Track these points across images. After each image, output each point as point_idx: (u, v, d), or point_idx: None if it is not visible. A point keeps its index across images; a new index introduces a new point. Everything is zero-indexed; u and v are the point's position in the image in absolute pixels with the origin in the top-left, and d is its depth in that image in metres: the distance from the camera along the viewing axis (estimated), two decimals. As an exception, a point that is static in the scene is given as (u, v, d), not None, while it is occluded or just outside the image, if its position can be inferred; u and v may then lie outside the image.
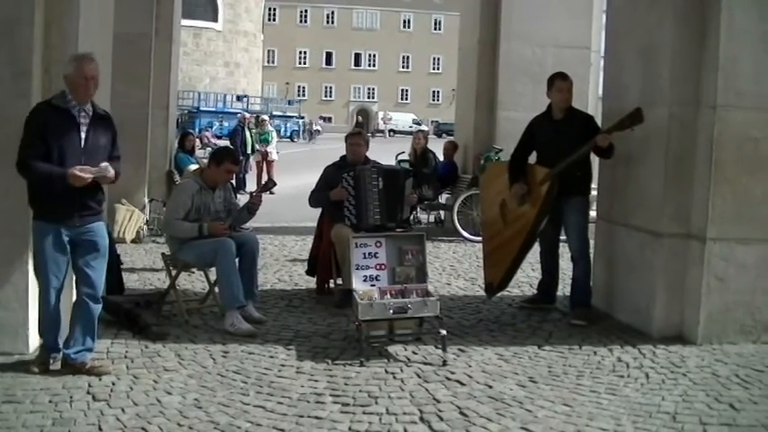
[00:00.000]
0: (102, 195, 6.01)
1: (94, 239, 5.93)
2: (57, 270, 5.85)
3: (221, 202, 7.82)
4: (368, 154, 8.93)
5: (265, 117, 27.38)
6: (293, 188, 19.67)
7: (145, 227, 12.57)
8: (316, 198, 8.77)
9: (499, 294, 8.52)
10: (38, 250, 5.87)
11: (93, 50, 6.11)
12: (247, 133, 23.50)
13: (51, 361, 5.97)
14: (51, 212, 5.78)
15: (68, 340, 6.00)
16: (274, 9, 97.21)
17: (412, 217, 12.41)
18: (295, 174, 24.40)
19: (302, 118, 67.72)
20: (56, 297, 5.90)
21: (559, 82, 7.98)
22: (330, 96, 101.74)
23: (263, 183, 8.23)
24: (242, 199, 8.92)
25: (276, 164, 23.78)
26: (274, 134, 24.87)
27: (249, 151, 23.43)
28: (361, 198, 8.27)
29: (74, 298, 6.09)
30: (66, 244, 5.85)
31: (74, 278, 6.08)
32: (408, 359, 6.53)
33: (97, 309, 6.03)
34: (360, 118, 63.52)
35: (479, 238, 10.74)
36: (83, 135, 5.79)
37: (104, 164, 5.76)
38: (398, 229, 8.14)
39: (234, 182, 19.26)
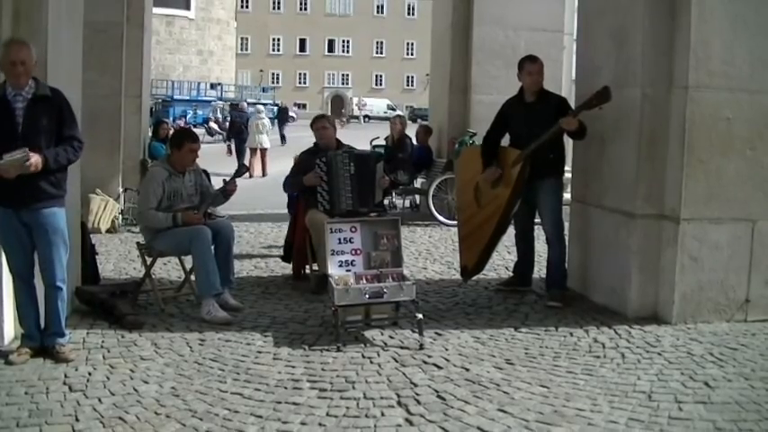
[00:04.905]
0: (56, 178, 5.88)
1: (45, 227, 5.86)
2: (15, 254, 5.89)
3: (192, 186, 7.77)
4: (346, 141, 8.94)
5: (261, 107, 28.96)
6: (268, 175, 19.68)
7: (120, 216, 12.51)
8: (290, 183, 8.77)
9: (475, 278, 8.55)
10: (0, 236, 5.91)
11: (62, 40, 6.06)
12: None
13: (27, 350, 5.96)
14: (3, 197, 5.76)
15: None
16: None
17: (387, 202, 12.41)
18: (268, 161, 24.45)
19: (276, 105, 67.55)
20: (20, 282, 5.94)
21: (529, 65, 7.98)
22: (304, 83, 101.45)
23: (236, 168, 8.19)
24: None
25: (268, 151, 24.78)
26: (268, 123, 25.98)
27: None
28: (334, 183, 8.28)
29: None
30: (23, 229, 5.84)
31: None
32: (385, 344, 6.54)
33: (57, 295, 5.99)
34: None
35: (455, 222, 10.78)
36: (19, 120, 5.70)
37: (16, 154, 5.55)
38: (372, 214, 8.16)
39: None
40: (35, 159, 5.60)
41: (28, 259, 5.94)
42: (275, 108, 65.64)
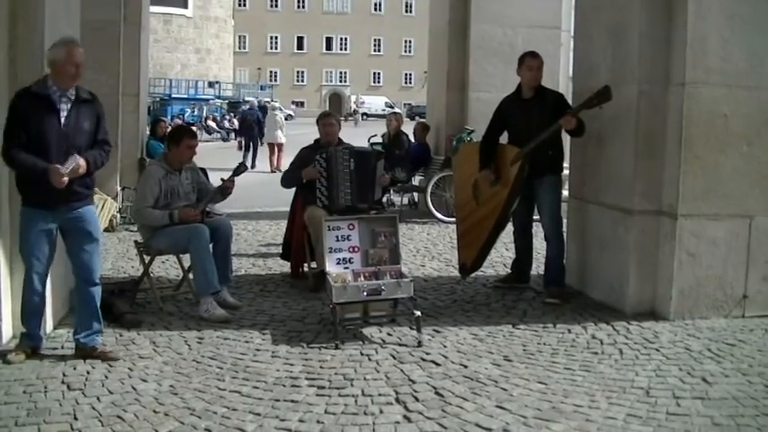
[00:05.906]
0: (89, 180, 5.96)
1: (85, 225, 5.92)
2: (41, 256, 5.84)
3: (189, 184, 7.76)
4: (345, 139, 8.96)
5: (276, 104, 31.20)
6: (265, 173, 19.68)
7: (117, 215, 12.49)
8: (288, 178, 8.78)
9: (473, 274, 8.55)
10: (23, 235, 5.87)
11: (58, 39, 6.05)
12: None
13: (26, 349, 5.95)
14: (37, 200, 5.76)
15: (77, 326, 6.08)
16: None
17: (385, 199, 12.41)
18: (266, 159, 24.47)
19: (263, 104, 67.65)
20: (38, 283, 5.89)
21: (530, 60, 7.99)
22: (302, 81, 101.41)
23: (235, 166, 8.18)
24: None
25: (284, 146, 25.24)
26: (281, 119, 26.64)
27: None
28: (333, 179, 8.30)
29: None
30: (54, 230, 5.86)
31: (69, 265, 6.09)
32: (383, 341, 6.54)
33: (96, 291, 6.04)
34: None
35: (453, 220, 10.79)
36: (63, 121, 5.72)
37: (71, 163, 5.63)
38: (372, 211, 8.16)
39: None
40: (83, 163, 5.70)
41: (50, 261, 5.95)
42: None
